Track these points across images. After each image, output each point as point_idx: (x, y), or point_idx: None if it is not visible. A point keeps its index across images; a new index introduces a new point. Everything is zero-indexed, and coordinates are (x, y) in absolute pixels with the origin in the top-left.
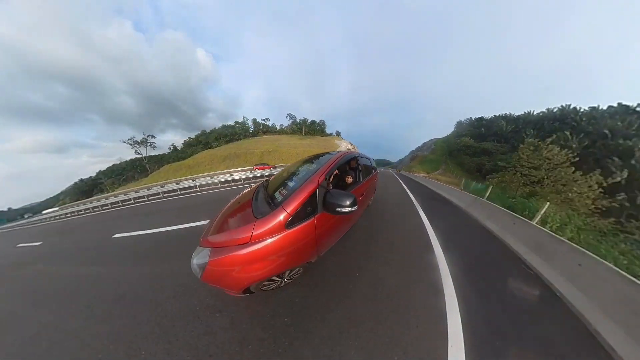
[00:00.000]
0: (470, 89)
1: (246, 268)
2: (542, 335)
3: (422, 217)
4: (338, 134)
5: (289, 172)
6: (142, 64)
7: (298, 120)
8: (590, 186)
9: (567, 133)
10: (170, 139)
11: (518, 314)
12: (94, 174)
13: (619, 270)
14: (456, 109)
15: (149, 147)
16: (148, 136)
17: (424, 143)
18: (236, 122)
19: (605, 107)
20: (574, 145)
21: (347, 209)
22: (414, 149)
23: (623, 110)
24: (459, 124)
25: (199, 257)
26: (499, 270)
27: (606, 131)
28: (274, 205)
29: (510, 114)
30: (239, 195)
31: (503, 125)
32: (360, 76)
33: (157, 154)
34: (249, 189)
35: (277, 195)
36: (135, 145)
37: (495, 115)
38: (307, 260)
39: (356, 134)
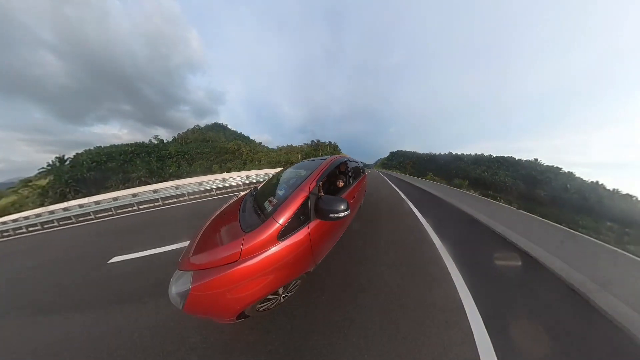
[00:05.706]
0: (424, 122)
1: (238, 289)
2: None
3: (380, 172)
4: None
5: (278, 180)
6: (101, 16)
7: (327, 142)
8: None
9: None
10: (111, 131)
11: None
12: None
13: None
14: (409, 130)
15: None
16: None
17: (378, 159)
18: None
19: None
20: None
21: (341, 214)
22: (375, 160)
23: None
24: (391, 153)
25: (179, 284)
26: (390, 176)
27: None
28: (263, 217)
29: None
30: (222, 208)
31: (394, 156)
32: (345, 88)
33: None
34: (234, 200)
35: (266, 205)
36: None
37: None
38: (305, 271)
39: (339, 139)
